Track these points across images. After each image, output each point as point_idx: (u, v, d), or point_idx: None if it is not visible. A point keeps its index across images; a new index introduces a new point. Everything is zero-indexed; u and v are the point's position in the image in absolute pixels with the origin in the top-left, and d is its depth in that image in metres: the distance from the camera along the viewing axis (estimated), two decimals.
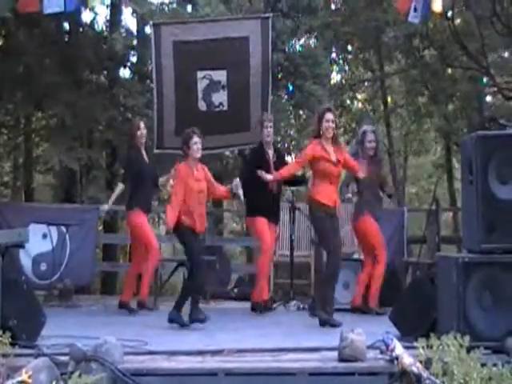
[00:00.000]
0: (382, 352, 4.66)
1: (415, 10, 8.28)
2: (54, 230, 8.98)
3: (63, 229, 9.03)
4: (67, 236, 9.06)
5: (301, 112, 14.70)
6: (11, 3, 8.21)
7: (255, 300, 7.82)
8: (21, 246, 6.55)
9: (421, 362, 4.38)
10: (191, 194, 6.75)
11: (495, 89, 14.35)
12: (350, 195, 7.79)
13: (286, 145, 14.57)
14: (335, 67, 16.51)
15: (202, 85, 8.95)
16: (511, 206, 5.03)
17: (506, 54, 14.94)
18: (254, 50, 8.89)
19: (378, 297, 7.68)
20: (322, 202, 6.78)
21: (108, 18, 14.01)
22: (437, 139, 18.43)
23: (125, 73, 14.02)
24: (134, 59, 13.43)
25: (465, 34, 13.37)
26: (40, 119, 14.66)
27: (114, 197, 8.15)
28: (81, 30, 12.98)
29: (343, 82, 17.32)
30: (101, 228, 13.61)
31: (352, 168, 7.29)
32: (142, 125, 8.04)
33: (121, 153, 12.79)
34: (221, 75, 8.95)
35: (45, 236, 8.92)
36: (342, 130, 16.41)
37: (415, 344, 4.48)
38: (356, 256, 8.57)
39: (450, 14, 12.80)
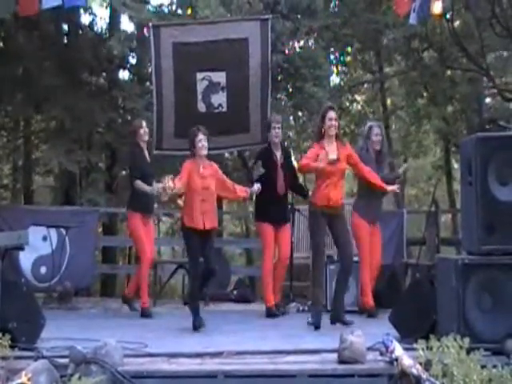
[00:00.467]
0: (381, 354, 4.66)
1: (414, 11, 8.31)
2: (53, 232, 8.99)
3: (63, 231, 9.05)
4: (67, 238, 9.07)
5: (300, 113, 14.70)
6: (11, 5, 8.22)
7: (267, 305, 7.78)
8: (20, 248, 6.55)
9: (420, 363, 4.38)
10: (194, 191, 6.73)
11: (495, 90, 14.37)
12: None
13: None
14: (334, 69, 16.49)
15: (201, 86, 8.94)
16: (511, 208, 5.03)
17: (505, 54, 14.92)
18: (253, 52, 8.88)
19: (375, 299, 7.65)
20: (319, 204, 6.81)
21: (107, 19, 14.03)
22: (436, 141, 18.44)
23: (124, 75, 14.06)
24: (133, 61, 13.44)
25: (464, 35, 13.39)
26: (39, 121, 14.67)
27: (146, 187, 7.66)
28: (80, 31, 12.99)
29: (342, 83, 17.31)
30: (100, 230, 13.61)
31: (355, 166, 7.25)
32: (144, 123, 8.04)
33: (120, 155, 12.81)
34: (220, 77, 8.94)
35: (45, 238, 8.92)
36: (341, 131, 16.35)
37: (415, 346, 4.49)
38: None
39: (449, 15, 12.81)
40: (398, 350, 4.54)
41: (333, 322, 6.75)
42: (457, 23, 14.03)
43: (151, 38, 8.92)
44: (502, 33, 12.40)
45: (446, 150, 17.68)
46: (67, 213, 9.85)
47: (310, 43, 14.29)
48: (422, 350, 4.40)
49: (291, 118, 14.67)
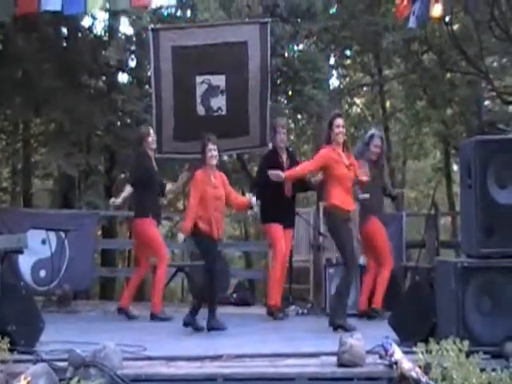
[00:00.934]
0: (381, 357, 4.65)
1: (414, 14, 8.31)
2: (52, 235, 8.98)
3: (62, 234, 9.03)
4: (66, 241, 9.05)
5: (299, 116, 14.72)
6: (11, 8, 8.21)
7: (269, 305, 7.79)
8: (20, 251, 6.56)
9: (420, 366, 4.38)
10: (208, 201, 6.78)
11: (494, 93, 14.37)
12: (366, 195, 7.62)
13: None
14: (334, 72, 16.49)
15: (200, 89, 8.95)
16: (510, 211, 5.02)
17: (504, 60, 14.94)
18: (252, 55, 8.90)
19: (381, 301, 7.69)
20: (341, 207, 6.76)
21: (106, 22, 14.02)
22: (436, 143, 18.43)
23: (123, 78, 14.06)
24: (132, 64, 13.44)
25: (463, 38, 13.39)
26: (38, 124, 14.67)
27: (123, 195, 7.83)
28: (79, 34, 12.99)
29: (341, 86, 17.31)
30: (99, 233, 13.61)
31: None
32: (151, 131, 8.03)
33: (119, 158, 12.81)
34: (219, 80, 8.95)
35: (44, 242, 8.91)
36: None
37: (414, 349, 4.48)
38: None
39: (448, 18, 12.81)
40: (398, 353, 4.53)
41: (335, 328, 6.59)
42: (456, 26, 14.02)
43: (150, 41, 8.93)
44: (501, 36, 12.41)
45: (446, 152, 17.67)
46: (66, 216, 9.85)
47: (308, 45, 14.30)
48: (422, 353, 4.39)
49: (291, 120, 14.69)
